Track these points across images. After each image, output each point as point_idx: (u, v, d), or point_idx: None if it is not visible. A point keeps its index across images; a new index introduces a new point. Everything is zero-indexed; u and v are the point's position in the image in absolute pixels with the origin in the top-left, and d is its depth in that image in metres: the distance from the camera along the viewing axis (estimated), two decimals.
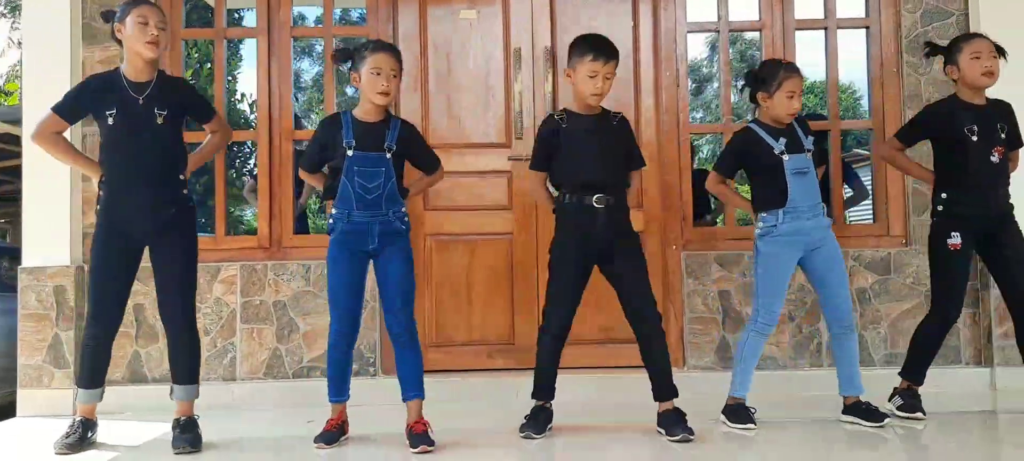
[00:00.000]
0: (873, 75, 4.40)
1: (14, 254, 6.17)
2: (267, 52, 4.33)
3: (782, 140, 3.31)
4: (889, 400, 3.48)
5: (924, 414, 3.41)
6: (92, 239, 3.15)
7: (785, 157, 3.29)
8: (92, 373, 3.18)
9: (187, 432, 3.09)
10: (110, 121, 3.05)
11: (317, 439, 3.11)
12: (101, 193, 3.12)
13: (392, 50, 3.16)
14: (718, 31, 4.50)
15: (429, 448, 2.99)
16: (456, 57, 4.40)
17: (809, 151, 3.35)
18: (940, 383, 3.99)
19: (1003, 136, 3.42)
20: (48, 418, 3.87)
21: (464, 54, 4.40)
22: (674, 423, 3.13)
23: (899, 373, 3.53)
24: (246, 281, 4.16)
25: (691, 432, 3.09)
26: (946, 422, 3.45)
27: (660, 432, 3.19)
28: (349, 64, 3.14)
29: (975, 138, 3.37)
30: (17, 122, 5.00)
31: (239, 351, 4.14)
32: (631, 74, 4.37)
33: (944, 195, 3.45)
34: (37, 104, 4.08)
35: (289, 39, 4.40)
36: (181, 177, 3.17)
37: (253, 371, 4.14)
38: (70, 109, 3.12)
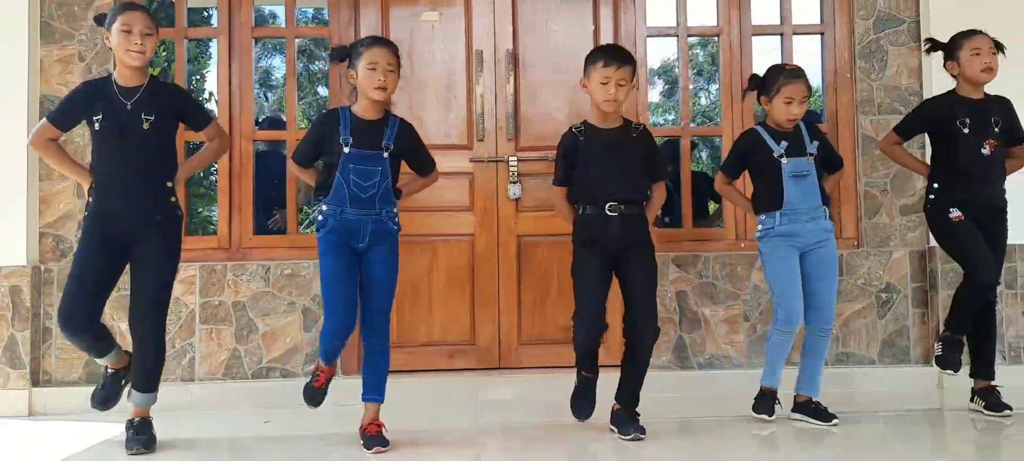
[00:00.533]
0: (827, 81, 4.50)
1: None
2: (228, 52, 4.32)
3: (784, 143, 3.38)
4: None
5: (1010, 409, 3.46)
6: (78, 242, 3.13)
7: (784, 160, 3.36)
8: (96, 349, 3.17)
9: (141, 433, 3.08)
10: (97, 126, 3.03)
11: (311, 388, 3.23)
12: (90, 199, 3.09)
13: (388, 44, 3.11)
14: (677, 36, 4.56)
15: (383, 449, 3.01)
16: (418, 58, 4.42)
17: (811, 155, 3.40)
18: (889, 382, 4.13)
19: (997, 130, 3.49)
20: (3, 418, 3.84)
21: (426, 56, 4.43)
22: (627, 421, 3.18)
23: (945, 325, 3.61)
24: (205, 282, 4.15)
25: (643, 430, 3.14)
26: (893, 420, 3.54)
27: (612, 429, 3.24)
28: (346, 62, 3.11)
29: (966, 131, 3.46)
30: None
31: (198, 352, 4.13)
32: None
33: (935, 185, 3.56)
34: None
35: (251, 39, 4.39)
36: (169, 184, 3.14)
37: (212, 372, 4.13)
38: (62, 116, 3.11)
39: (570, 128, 3.32)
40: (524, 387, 3.56)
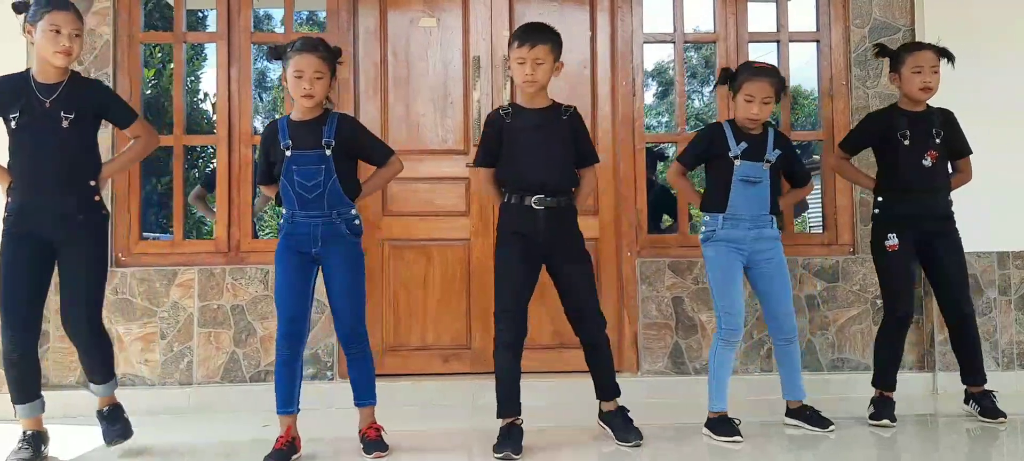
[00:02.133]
0: (823, 87, 4.53)
1: None
2: (227, 56, 4.33)
3: (743, 144, 3.29)
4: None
5: (892, 421, 3.46)
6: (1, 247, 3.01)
7: (737, 162, 3.28)
8: (22, 389, 3.02)
9: (115, 422, 3.10)
10: (13, 124, 2.94)
11: (266, 459, 2.95)
12: (8, 199, 3.00)
13: (317, 49, 3.00)
14: (673, 42, 4.59)
15: (383, 454, 3.02)
16: (416, 63, 4.44)
17: (768, 162, 3.31)
18: None
19: (938, 141, 3.51)
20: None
21: (424, 61, 4.45)
22: (622, 426, 3.18)
23: (871, 383, 3.61)
24: (204, 285, 4.16)
25: (640, 435, 3.14)
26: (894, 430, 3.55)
27: (604, 427, 3.24)
28: (282, 63, 3.06)
29: (907, 142, 3.48)
30: None
31: (196, 355, 4.14)
32: (588, 83, 4.44)
33: (880, 199, 3.58)
34: None
35: (249, 44, 4.40)
36: (91, 183, 3.03)
37: (210, 375, 4.14)
38: None
39: (497, 108, 3.31)
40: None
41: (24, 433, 3.06)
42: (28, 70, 3.05)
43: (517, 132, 3.16)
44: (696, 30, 4.61)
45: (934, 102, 3.61)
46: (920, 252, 3.56)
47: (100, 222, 3.09)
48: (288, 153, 3.01)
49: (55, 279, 3.08)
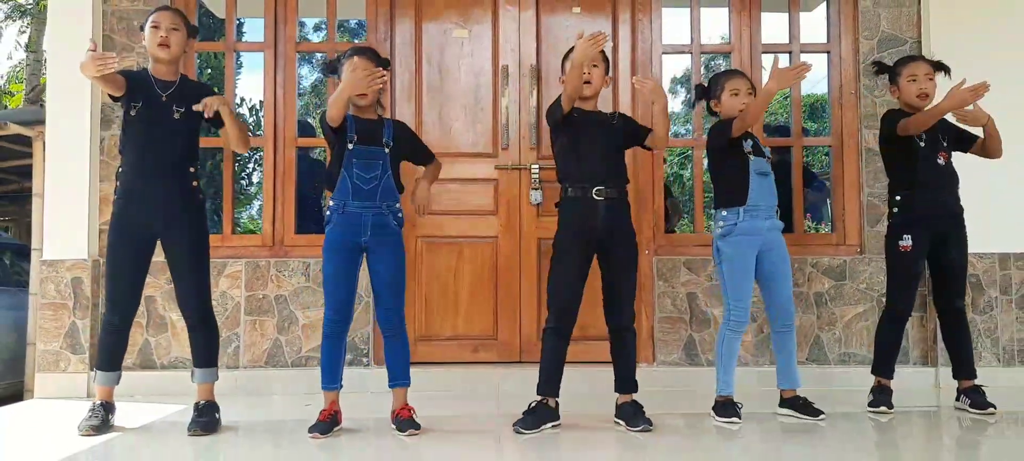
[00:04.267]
0: (833, 97, 4.76)
1: (19, 250, 6.46)
2: (273, 65, 4.66)
3: (749, 141, 3.53)
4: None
5: (889, 408, 3.68)
6: (108, 230, 3.36)
7: (751, 157, 3.51)
8: (110, 358, 3.38)
9: (204, 416, 3.34)
10: (132, 112, 3.28)
11: (312, 429, 3.23)
12: (118, 183, 3.34)
13: (373, 55, 3.37)
14: (691, 53, 4.84)
15: (416, 432, 3.27)
16: (448, 71, 4.74)
17: (768, 158, 3.59)
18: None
19: (945, 143, 3.73)
20: (64, 400, 4.18)
21: (456, 69, 4.74)
22: (633, 415, 3.38)
23: (871, 371, 3.84)
24: (250, 276, 4.48)
25: (650, 423, 3.34)
26: (887, 417, 3.72)
27: (618, 423, 3.44)
28: (335, 76, 3.41)
29: (923, 144, 3.68)
30: (26, 123, 5.26)
31: (243, 341, 4.46)
32: (610, 91, 4.70)
33: (898, 197, 3.75)
34: (60, 110, 4.44)
35: (294, 53, 4.71)
36: (192, 170, 3.37)
37: (255, 360, 4.46)
38: (128, 75, 3.31)
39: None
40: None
41: (94, 403, 3.39)
42: (147, 68, 3.41)
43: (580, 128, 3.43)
44: (723, 39, 4.83)
45: None
46: (931, 249, 3.73)
47: (200, 205, 3.41)
48: (351, 146, 3.30)
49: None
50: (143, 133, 3.30)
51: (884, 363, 3.80)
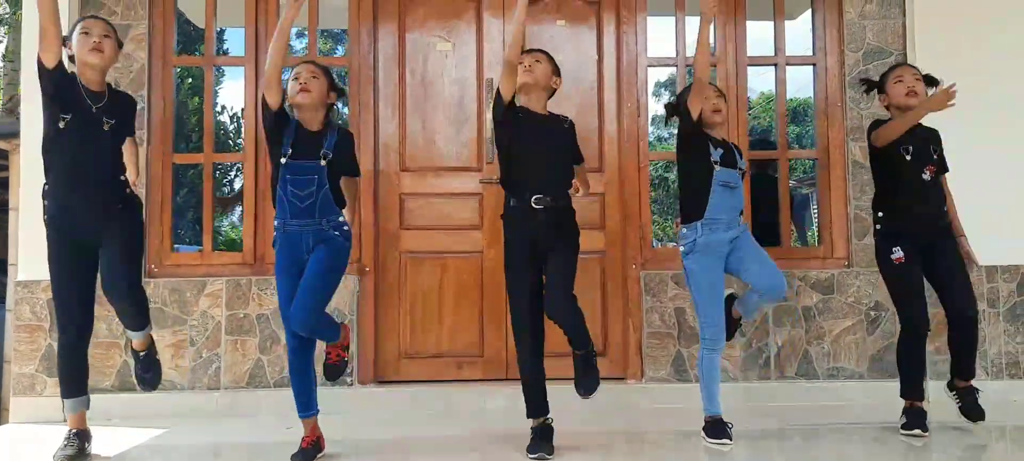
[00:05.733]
0: (818, 109, 4.75)
1: None
2: (254, 79, 4.58)
3: (719, 150, 3.45)
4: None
5: (924, 431, 3.53)
6: (46, 248, 3.19)
7: (717, 167, 3.41)
8: (74, 382, 3.25)
9: (148, 370, 3.43)
10: (61, 124, 3.10)
11: (293, 458, 3.10)
12: (46, 202, 3.19)
13: (312, 62, 3.24)
14: (676, 66, 4.81)
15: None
16: (432, 84, 4.68)
17: (741, 170, 3.51)
18: (877, 395, 4.33)
19: (935, 157, 3.68)
20: (40, 425, 4.08)
21: (439, 81, 4.69)
22: (584, 372, 3.26)
23: (900, 394, 3.69)
24: (231, 295, 4.40)
25: (596, 381, 3.26)
26: (879, 432, 3.71)
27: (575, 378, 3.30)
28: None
29: (909, 157, 3.61)
30: (2, 135, 5.15)
31: (223, 361, 4.37)
32: (595, 104, 4.67)
33: (880, 213, 3.68)
34: (35, 118, 4.33)
35: None
36: (122, 178, 3.28)
37: (237, 380, 4.37)
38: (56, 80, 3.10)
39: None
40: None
41: (69, 431, 3.28)
42: (74, 74, 3.21)
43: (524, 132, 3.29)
44: None
45: (925, 123, 3.78)
46: (923, 259, 3.64)
47: (134, 203, 3.34)
48: (283, 160, 3.10)
49: None
50: (75, 147, 3.13)
51: (911, 384, 3.65)
